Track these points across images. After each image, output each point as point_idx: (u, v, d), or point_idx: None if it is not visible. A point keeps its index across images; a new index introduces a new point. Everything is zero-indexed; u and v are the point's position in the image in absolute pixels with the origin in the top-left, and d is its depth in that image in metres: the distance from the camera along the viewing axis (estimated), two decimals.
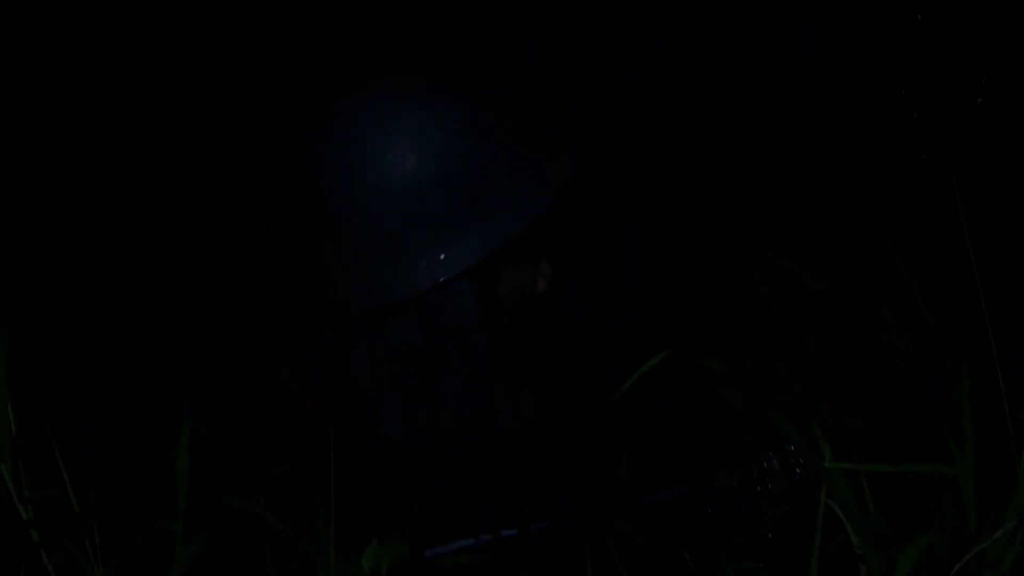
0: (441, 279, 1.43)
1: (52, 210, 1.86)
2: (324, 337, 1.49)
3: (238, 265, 1.66)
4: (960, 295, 1.43)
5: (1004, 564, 1.07)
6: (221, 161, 1.77)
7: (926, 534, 1.05)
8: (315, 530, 1.11)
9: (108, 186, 1.88)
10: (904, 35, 1.83)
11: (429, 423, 1.46)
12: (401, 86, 1.47)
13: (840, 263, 1.59)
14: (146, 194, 1.88)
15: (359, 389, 1.46)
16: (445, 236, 1.44)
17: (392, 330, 1.46)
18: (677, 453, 1.51)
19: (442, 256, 1.43)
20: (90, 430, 1.47)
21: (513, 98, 1.52)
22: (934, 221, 1.67)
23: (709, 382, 1.53)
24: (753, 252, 1.60)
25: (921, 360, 1.49)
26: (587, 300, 1.65)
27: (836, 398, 1.46)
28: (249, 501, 1.22)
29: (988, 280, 1.27)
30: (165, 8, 1.88)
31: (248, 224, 1.71)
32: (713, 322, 1.64)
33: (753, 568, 1.28)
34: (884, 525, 1.08)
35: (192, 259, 1.74)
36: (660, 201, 1.71)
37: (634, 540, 1.30)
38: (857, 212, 1.66)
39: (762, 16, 1.88)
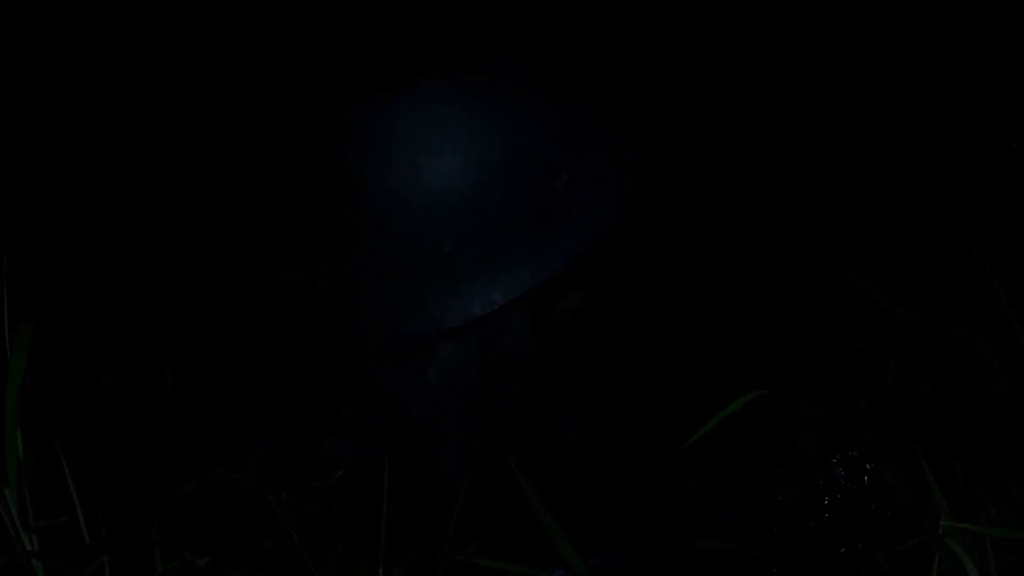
0: (498, 304, 1.31)
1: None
2: (379, 368, 1.37)
3: (275, 286, 1.50)
4: None
5: None
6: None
7: None
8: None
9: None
10: None
11: (487, 461, 1.34)
12: (450, 88, 1.35)
13: (930, 286, 1.46)
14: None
15: (419, 428, 1.35)
16: (503, 256, 1.32)
17: (447, 360, 1.35)
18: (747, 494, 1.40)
19: (499, 278, 1.31)
20: (106, 460, 1.37)
21: (570, 105, 1.40)
22: None
23: (785, 419, 1.42)
24: (836, 278, 1.47)
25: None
26: (653, 326, 1.51)
27: (923, 443, 1.34)
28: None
29: None
30: None
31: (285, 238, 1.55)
32: (792, 353, 1.51)
33: None
34: None
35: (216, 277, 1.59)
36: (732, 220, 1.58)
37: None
38: (953, 232, 1.52)
39: None
